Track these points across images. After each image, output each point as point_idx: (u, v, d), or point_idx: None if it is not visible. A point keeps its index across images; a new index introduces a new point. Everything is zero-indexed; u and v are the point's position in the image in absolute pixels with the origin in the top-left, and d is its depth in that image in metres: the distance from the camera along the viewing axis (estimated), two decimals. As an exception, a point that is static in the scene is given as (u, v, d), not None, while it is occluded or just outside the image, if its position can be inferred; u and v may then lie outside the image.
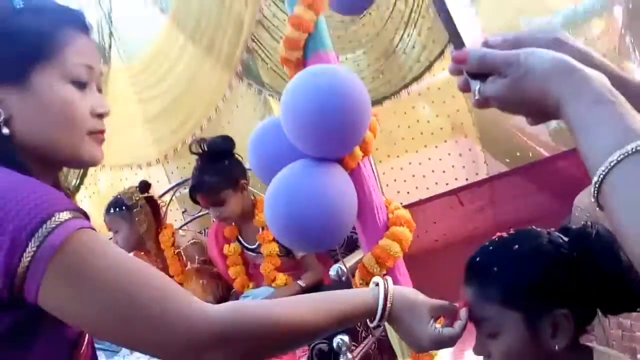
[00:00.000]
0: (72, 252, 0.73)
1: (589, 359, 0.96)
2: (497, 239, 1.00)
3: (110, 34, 3.47)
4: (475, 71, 0.71)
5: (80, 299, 0.73)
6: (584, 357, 0.97)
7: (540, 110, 0.67)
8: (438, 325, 0.98)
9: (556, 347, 0.92)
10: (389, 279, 1.00)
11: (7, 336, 0.75)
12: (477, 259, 1.00)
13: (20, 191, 0.73)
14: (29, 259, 0.70)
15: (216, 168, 2.31)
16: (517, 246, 0.96)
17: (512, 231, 1.01)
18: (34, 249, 0.70)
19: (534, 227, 1.00)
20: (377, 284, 0.97)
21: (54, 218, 0.72)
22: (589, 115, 0.61)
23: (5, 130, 0.82)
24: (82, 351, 0.87)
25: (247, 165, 2.44)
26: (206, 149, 2.35)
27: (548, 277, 0.92)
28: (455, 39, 0.73)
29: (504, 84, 0.67)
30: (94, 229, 0.77)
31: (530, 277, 0.93)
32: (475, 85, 0.71)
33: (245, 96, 3.18)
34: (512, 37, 0.74)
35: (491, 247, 0.99)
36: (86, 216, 0.79)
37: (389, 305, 0.94)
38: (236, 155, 2.41)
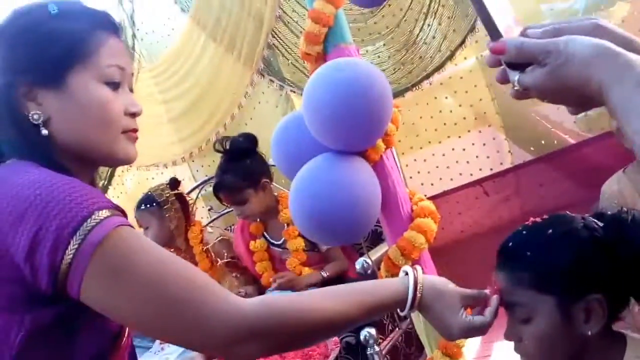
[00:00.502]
0: (112, 249, 0.75)
1: (621, 346, 0.96)
2: (530, 224, 1.00)
3: (133, 35, 3.52)
4: (513, 61, 0.70)
5: (120, 293, 0.76)
6: (617, 344, 0.97)
7: (581, 97, 0.66)
8: (469, 314, 0.98)
9: (589, 333, 0.92)
10: (419, 268, 1.00)
11: (52, 328, 0.78)
12: (510, 244, 1.00)
13: (61, 191, 0.76)
14: (71, 256, 0.73)
15: (238, 167, 2.34)
16: (550, 231, 0.95)
17: (545, 217, 1.00)
18: (76, 246, 0.73)
19: (567, 212, 1.00)
20: (406, 273, 0.98)
21: (94, 216, 0.75)
22: (634, 99, 0.60)
23: (45, 132, 0.86)
24: (123, 342, 0.90)
25: (270, 162, 2.46)
26: (228, 147, 2.38)
27: (582, 262, 0.92)
28: (492, 30, 0.72)
29: (543, 73, 0.66)
30: (132, 226, 0.80)
31: (565, 261, 0.93)
32: (514, 75, 0.70)
33: (267, 92, 3.20)
34: (551, 27, 0.72)
35: (524, 232, 0.99)
36: (124, 214, 0.82)
37: (418, 294, 0.95)
38: (259, 153, 2.43)
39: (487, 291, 1.01)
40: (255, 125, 3.21)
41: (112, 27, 0.92)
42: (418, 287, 0.95)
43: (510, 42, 0.69)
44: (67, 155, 0.87)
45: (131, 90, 0.95)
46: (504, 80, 0.72)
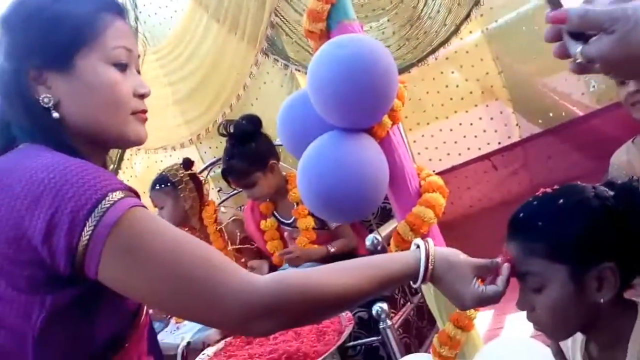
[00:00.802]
0: (127, 229, 0.76)
1: (633, 314, 0.97)
2: (540, 194, 1.01)
3: (136, 18, 3.50)
4: (576, 30, 0.65)
5: (136, 272, 0.77)
6: (629, 312, 0.97)
7: None
8: (481, 285, 0.99)
9: (601, 301, 0.93)
10: (430, 240, 1.01)
11: (72, 309, 0.80)
12: (521, 214, 1.00)
13: (75, 173, 0.77)
14: (87, 237, 0.75)
15: (244, 152, 2.35)
16: (562, 200, 0.96)
17: (556, 187, 1.01)
18: (92, 227, 0.75)
19: (578, 182, 1.00)
20: (418, 246, 0.99)
21: (108, 198, 0.76)
22: None
23: (56, 115, 0.87)
24: (142, 320, 0.92)
25: (277, 141, 2.46)
26: (232, 131, 2.38)
27: (594, 230, 0.93)
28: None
29: (611, 40, 0.62)
30: (145, 206, 0.81)
31: (577, 230, 0.93)
32: (577, 47, 0.65)
33: (271, 72, 3.19)
34: None
35: (535, 202, 1.00)
36: (137, 195, 0.83)
37: (430, 266, 0.96)
38: (264, 134, 2.44)
39: (498, 260, 1.02)
40: (261, 105, 3.21)
41: (117, 9, 0.93)
42: (430, 259, 0.96)
43: (573, 10, 0.65)
44: (79, 138, 0.88)
45: (139, 72, 0.96)
46: (563, 54, 0.68)
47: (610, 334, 0.98)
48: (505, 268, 1.00)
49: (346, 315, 1.82)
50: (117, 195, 0.77)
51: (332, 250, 2.37)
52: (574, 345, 1.11)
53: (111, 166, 3.84)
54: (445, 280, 0.98)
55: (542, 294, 0.96)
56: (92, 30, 0.88)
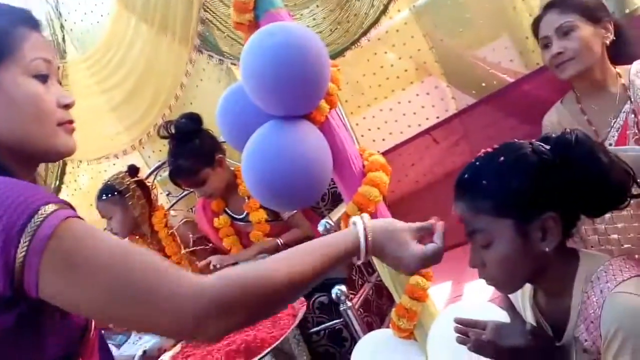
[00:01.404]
0: (63, 240, 0.75)
1: (575, 261, 1.03)
2: (482, 154, 1.05)
3: (62, 26, 3.39)
4: None
5: (77, 285, 0.75)
6: (572, 259, 1.04)
7: None
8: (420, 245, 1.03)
9: (546, 249, 0.99)
10: (365, 215, 1.04)
11: (18, 330, 0.78)
12: (466, 175, 1.05)
13: (4, 191, 0.75)
14: (23, 253, 0.73)
15: (188, 149, 2.32)
16: (502, 158, 1.00)
17: (495, 146, 1.05)
18: (27, 243, 0.73)
19: (515, 140, 1.05)
20: (355, 223, 1.02)
21: (40, 211, 0.74)
22: None
23: None
24: (91, 335, 0.91)
25: (221, 138, 2.45)
26: (174, 132, 2.35)
27: (534, 183, 0.98)
28: None
29: None
30: (81, 218, 0.80)
31: (518, 184, 0.98)
32: None
33: (207, 68, 3.15)
34: None
35: (477, 163, 1.04)
36: (71, 207, 0.81)
37: (369, 239, 0.99)
38: (206, 130, 2.42)
39: (432, 221, 1.08)
40: (200, 103, 3.17)
41: (33, 22, 0.92)
42: (368, 232, 0.99)
43: None
44: (6, 154, 0.86)
45: (60, 83, 0.95)
46: None
47: (556, 281, 1.04)
48: (439, 225, 1.06)
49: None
50: (50, 207, 0.75)
51: (282, 242, 2.37)
52: (522, 297, 1.17)
53: (54, 182, 3.74)
54: (386, 249, 1.01)
55: (491, 249, 1.01)
56: (9, 44, 0.86)
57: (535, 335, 1.04)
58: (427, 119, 2.76)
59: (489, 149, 1.05)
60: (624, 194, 1.00)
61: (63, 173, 3.74)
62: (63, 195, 3.79)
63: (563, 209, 0.99)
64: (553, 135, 1.03)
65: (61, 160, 3.63)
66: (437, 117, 2.74)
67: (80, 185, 3.84)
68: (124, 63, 3.22)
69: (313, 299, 2.09)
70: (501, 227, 0.99)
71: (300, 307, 1.84)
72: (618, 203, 1.01)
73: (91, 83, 3.34)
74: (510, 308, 1.23)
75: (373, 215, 1.51)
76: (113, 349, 2.61)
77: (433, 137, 2.72)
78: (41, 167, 3.70)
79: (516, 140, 1.05)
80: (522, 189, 0.98)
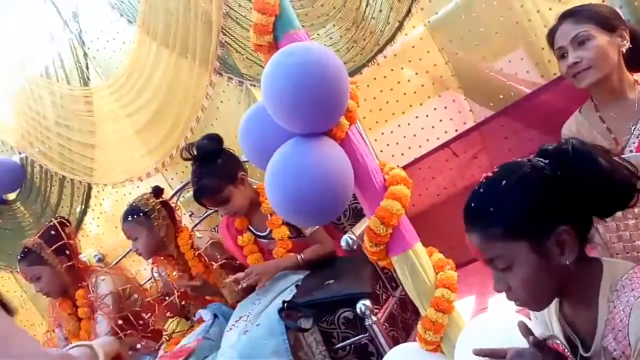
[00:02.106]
0: None
1: (599, 270, 1.02)
2: (484, 180, 1.05)
3: (85, 54, 3.49)
4: None
5: None
6: (595, 268, 1.03)
7: None
8: None
9: (567, 262, 0.98)
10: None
11: None
12: (472, 204, 1.05)
13: None
14: None
15: (211, 169, 2.36)
16: (504, 182, 1.01)
17: (495, 169, 1.06)
18: None
19: (513, 159, 1.06)
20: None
21: None
22: None
23: None
24: None
25: (243, 158, 2.49)
26: (196, 153, 2.39)
27: (540, 200, 0.98)
28: None
29: None
30: None
31: (524, 205, 0.98)
32: None
33: (227, 90, 3.20)
34: None
35: (481, 190, 1.04)
36: None
37: None
38: (228, 150, 2.46)
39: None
40: (221, 125, 3.22)
41: None
42: None
43: None
44: None
45: None
46: None
47: (581, 291, 1.03)
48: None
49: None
50: None
51: (303, 257, 2.38)
52: (549, 309, 1.16)
53: (79, 207, 3.81)
54: None
55: (512, 272, 1.01)
56: None
57: (541, 347, 1.04)
58: (445, 132, 2.77)
59: (490, 174, 1.05)
60: (630, 192, 0.99)
61: (89, 197, 3.81)
62: (88, 219, 3.86)
63: (574, 218, 0.99)
64: (549, 147, 1.03)
65: (87, 185, 3.70)
66: (456, 130, 2.75)
67: (105, 208, 3.90)
68: (146, 87, 3.29)
69: (338, 314, 2.10)
70: (518, 250, 0.99)
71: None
72: (627, 201, 1.00)
73: (115, 108, 3.41)
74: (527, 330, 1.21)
75: (396, 229, 1.53)
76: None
77: (452, 150, 2.73)
78: (67, 191, 3.78)
79: (514, 159, 1.05)
80: (530, 209, 0.98)
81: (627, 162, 1.01)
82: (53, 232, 2.79)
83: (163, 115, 3.32)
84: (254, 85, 3.07)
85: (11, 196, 4.01)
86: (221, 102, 3.25)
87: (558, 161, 0.99)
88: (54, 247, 2.76)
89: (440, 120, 2.78)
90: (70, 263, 2.80)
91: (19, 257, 2.75)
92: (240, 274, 2.32)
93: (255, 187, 2.54)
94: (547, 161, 1.01)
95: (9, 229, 4.01)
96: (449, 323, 1.53)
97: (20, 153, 3.87)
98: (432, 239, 1.72)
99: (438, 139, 2.79)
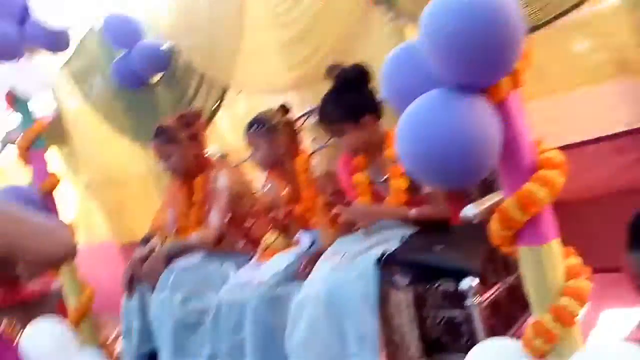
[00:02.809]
0: None
1: None
2: None
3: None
4: None
5: None
6: None
7: None
8: None
9: None
10: None
11: None
12: None
13: None
14: None
15: (340, 99, 2.30)
16: None
17: None
18: None
19: None
20: None
21: None
22: None
23: None
24: None
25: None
26: (336, 76, 2.34)
27: None
28: None
29: None
30: None
31: None
32: None
33: (379, 23, 3.02)
34: None
35: None
36: None
37: None
38: (368, 87, 2.35)
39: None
40: (366, 57, 3.06)
41: None
42: None
43: None
44: None
45: None
46: None
47: None
48: None
49: None
50: None
51: (414, 213, 2.27)
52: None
53: (213, 105, 3.89)
54: None
55: None
56: None
57: None
58: (615, 123, 2.42)
59: None
60: None
61: (222, 98, 3.88)
62: (220, 116, 3.94)
63: None
64: None
65: (223, 87, 3.75)
66: (627, 124, 2.39)
67: (237, 113, 3.98)
68: (300, 2, 3.20)
69: (437, 282, 1.97)
70: None
71: None
72: None
73: (269, 16, 3.36)
74: None
75: (535, 219, 1.34)
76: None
77: (618, 145, 2.40)
78: (204, 90, 3.86)
79: None
80: None
81: None
82: (189, 119, 2.99)
83: (309, 33, 3.23)
84: (410, 22, 2.85)
85: (154, 79, 4.16)
86: (371, 33, 3.08)
87: None
88: (188, 131, 2.94)
89: (613, 109, 2.43)
90: (198, 152, 3.00)
91: (154, 134, 2.95)
92: (340, 208, 2.31)
93: (383, 131, 2.41)
94: None
95: (147, 110, 4.21)
96: (565, 337, 1.34)
97: (168, 42, 3.97)
98: (571, 238, 1.50)
99: (604, 128, 2.45)
